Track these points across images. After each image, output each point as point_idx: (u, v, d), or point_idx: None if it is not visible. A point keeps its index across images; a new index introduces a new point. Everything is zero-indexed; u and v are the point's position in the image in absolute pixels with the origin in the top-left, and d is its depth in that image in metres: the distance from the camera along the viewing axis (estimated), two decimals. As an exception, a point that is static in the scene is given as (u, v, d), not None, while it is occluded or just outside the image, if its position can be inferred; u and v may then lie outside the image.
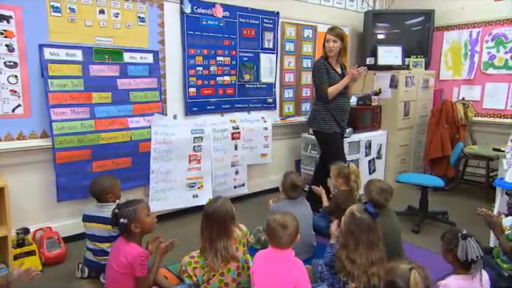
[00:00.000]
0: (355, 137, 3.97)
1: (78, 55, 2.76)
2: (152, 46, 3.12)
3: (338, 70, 3.34)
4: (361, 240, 1.89)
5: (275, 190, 2.78)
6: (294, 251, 1.90)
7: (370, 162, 4.15)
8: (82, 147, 2.77)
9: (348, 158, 3.82)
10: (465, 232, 1.72)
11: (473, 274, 1.70)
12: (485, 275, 1.76)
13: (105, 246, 2.28)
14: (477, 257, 1.67)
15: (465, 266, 1.71)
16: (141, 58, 3.06)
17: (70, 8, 2.70)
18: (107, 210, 2.26)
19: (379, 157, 4.27)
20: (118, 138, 2.93)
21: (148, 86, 3.12)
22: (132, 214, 1.95)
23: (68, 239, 2.77)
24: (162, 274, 2.26)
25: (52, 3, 2.62)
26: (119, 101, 2.97)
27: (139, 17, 3.03)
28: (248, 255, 2.15)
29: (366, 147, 4.06)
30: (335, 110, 3.27)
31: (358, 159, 4.00)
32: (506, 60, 4.13)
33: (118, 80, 2.95)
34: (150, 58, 3.11)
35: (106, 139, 2.87)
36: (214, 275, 2.00)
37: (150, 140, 3.08)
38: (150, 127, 3.10)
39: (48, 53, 2.63)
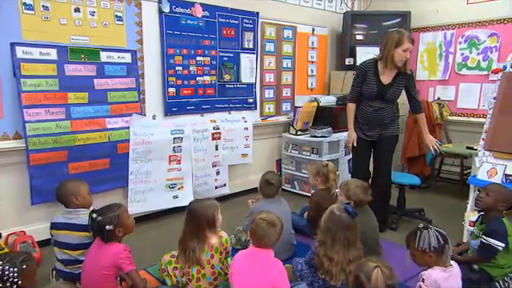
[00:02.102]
0: (334, 136, 4.03)
1: (53, 54, 2.69)
2: (130, 46, 3.08)
3: (387, 79, 2.98)
4: (337, 237, 1.92)
5: (256, 189, 2.78)
6: (273, 251, 1.90)
7: (349, 161, 4.21)
8: (57, 148, 2.70)
9: (327, 157, 3.88)
10: (422, 225, 1.78)
11: (447, 263, 1.75)
12: (456, 268, 1.81)
13: (76, 253, 2.17)
14: (440, 244, 1.71)
15: (437, 258, 1.74)
16: (118, 57, 3.00)
17: (43, 6, 2.63)
18: (75, 217, 2.19)
19: (358, 156, 4.32)
20: (95, 138, 2.87)
21: (126, 86, 3.07)
22: (116, 220, 1.93)
23: (43, 243, 2.69)
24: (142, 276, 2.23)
25: (24, 0, 2.54)
26: (96, 101, 2.91)
27: (116, 16, 2.98)
28: (227, 262, 2.10)
29: (345, 146, 4.11)
30: (361, 117, 3.15)
31: (337, 158, 4.06)
32: (479, 61, 4.26)
33: (94, 80, 2.89)
34: (127, 58, 3.06)
35: (82, 140, 2.81)
36: (190, 280, 1.99)
37: (128, 141, 3.03)
38: (128, 128, 3.05)
39: (20, 51, 2.55)
